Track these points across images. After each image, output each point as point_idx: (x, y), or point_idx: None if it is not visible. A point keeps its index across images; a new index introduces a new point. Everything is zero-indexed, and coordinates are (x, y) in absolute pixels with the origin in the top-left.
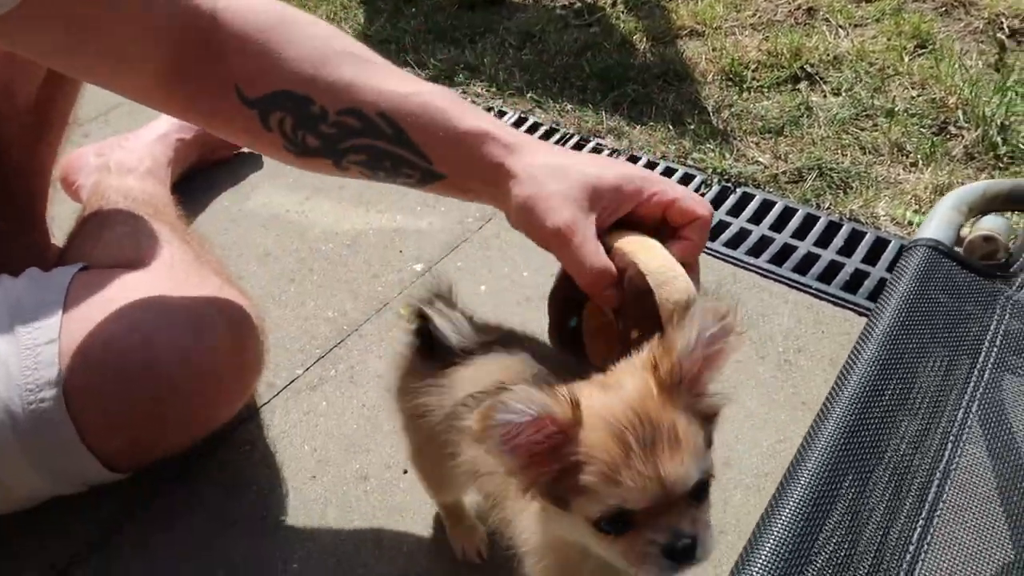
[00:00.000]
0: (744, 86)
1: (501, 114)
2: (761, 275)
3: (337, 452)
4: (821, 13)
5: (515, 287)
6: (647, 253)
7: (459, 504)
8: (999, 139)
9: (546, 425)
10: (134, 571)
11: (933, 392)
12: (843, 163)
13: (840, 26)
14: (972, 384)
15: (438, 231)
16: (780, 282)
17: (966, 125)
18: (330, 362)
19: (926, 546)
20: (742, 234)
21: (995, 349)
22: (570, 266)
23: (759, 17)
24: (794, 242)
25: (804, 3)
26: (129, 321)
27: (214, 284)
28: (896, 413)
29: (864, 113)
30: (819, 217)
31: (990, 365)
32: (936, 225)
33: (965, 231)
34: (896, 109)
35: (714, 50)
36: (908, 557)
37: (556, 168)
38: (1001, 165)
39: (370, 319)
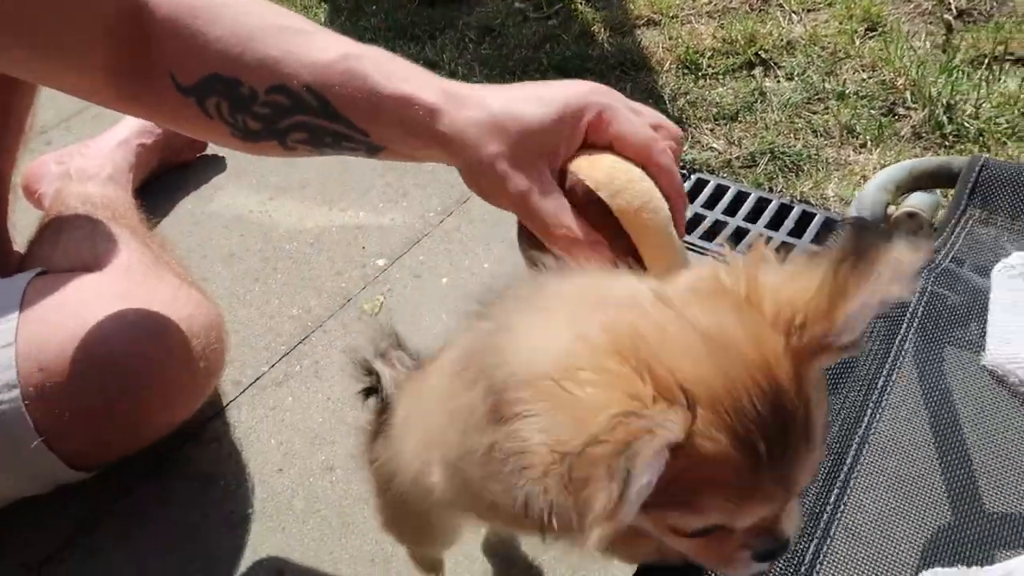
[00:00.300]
0: (700, 73)
1: None
2: (715, 258)
3: (303, 445)
4: None
5: (476, 279)
6: (592, 167)
7: (438, 558)
8: (945, 118)
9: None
10: (116, 563)
11: (855, 361)
12: (795, 146)
13: (793, 11)
14: (893, 352)
15: (400, 226)
16: None
17: (914, 106)
18: (295, 358)
19: (843, 507)
20: (696, 219)
21: (916, 319)
22: (535, 231)
23: (715, 5)
24: (747, 225)
25: None
26: (83, 322)
27: (172, 285)
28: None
29: (816, 96)
30: (771, 200)
31: (911, 334)
32: (863, 204)
33: (892, 209)
34: (847, 92)
35: (670, 39)
36: (824, 519)
37: (489, 124)
38: (947, 143)
39: (334, 315)
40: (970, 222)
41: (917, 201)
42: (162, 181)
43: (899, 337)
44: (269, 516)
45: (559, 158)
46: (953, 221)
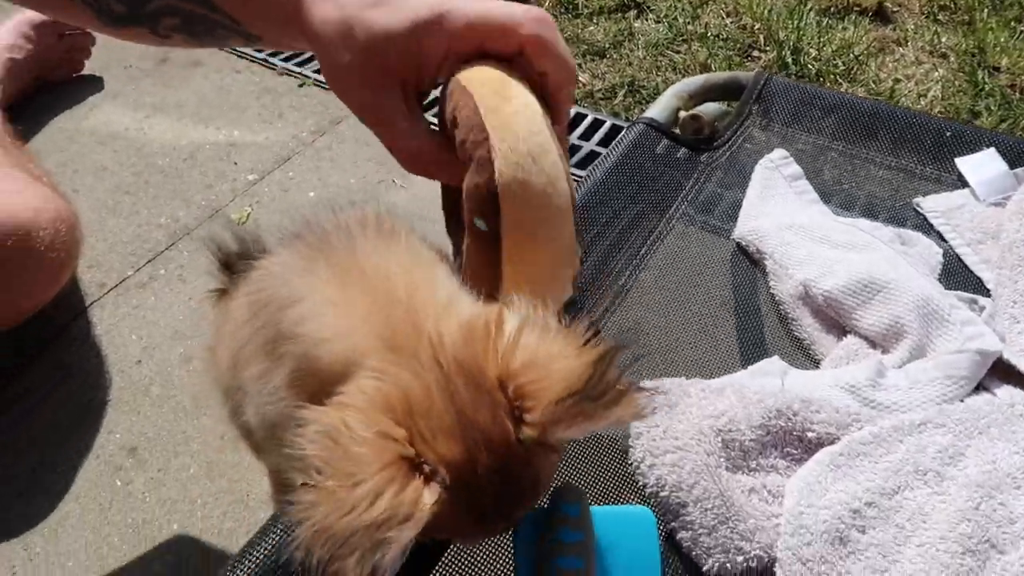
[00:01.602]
0: (576, 13)
1: None
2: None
3: (163, 339)
4: None
5: (343, 193)
6: (460, 94)
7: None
8: (791, 60)
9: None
10: None
11: (626, 230)
12: (654, 81)
13: None
14: (659, 229)
15: (273, 144)
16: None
17: (766, 48)
18: (161, 263)
19: (610, 316)
20: None
21: (684, 204)
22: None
23: None
24: (599, 149)
25: None
26: None
27: (20, 180)
28: (595, 242)
29: (680, 38)
30: (623, 127)
31: (677, 216)
32: (657, 108)
33: (683, 114)
34: (708, 35)
35: None
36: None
37: (341, 27)
38: None
39: (202, 224)
40: (751, 127)
41: (704, 108)
42: (37, 100)
43: (666, 217)
44: (126, 402)
45: (424, 78)
46: (736, 125)
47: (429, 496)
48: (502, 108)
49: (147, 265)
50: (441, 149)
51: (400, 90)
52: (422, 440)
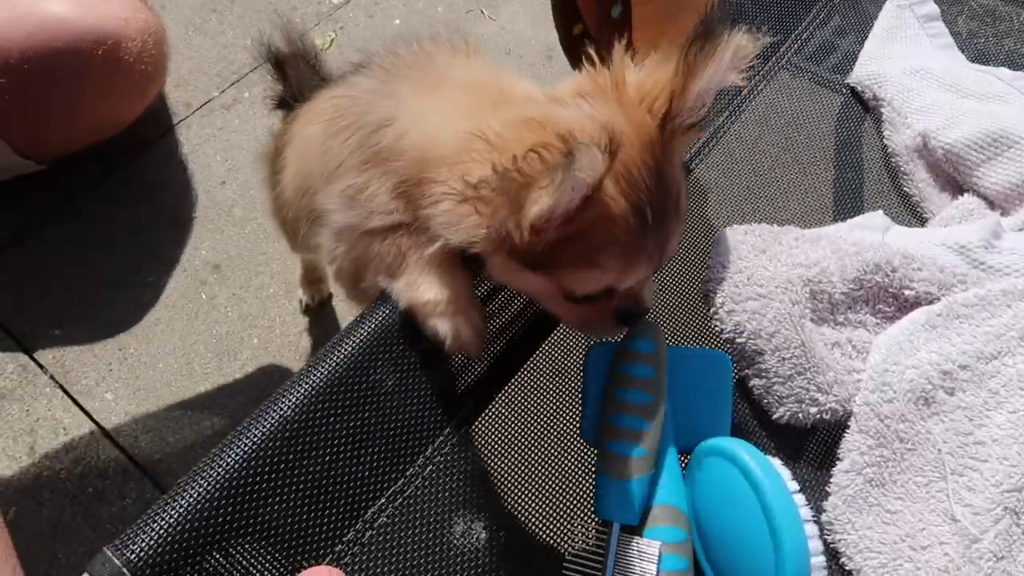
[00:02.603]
0: None
1: None
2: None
3: (246, 162)
4: None
5: (429, 22)
6: None
7: (316, 261)
8: None
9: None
10: (64, 252)
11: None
12: None
13: None
14: (759, 76)
15: None
16: None
17: None
18: (245, 86)
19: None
20: None
21: (790, 52)
22: None
23: None
24: None
25: None
26: (26, 10)
27: None
28: None
29: None
30: None
31: (782, 64)
32: None
33: None
34: None
35: None
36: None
37: None
38: None
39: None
40: None
41: None
42: None
43: (768, 63)
44: (211, 220)
45: None
46: None
47: (596, 151)
48: None
49: (232, 87)
50: None
51: None
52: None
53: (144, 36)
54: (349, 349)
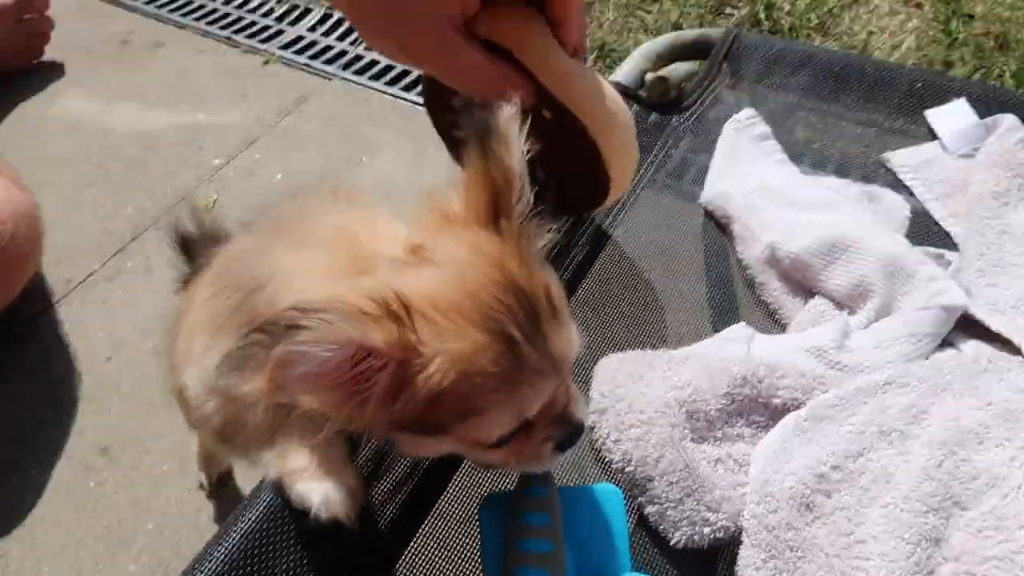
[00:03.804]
0: None
1: None
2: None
3: (132, 334)
4: None
5: (309, 174)
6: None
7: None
8: (763, 15)
9: (369, 356)
10: None
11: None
12: (626, 44)
13: None
14: (624, 197)
15: (238, 126)
16: None
17: (739, 4)
18: (127, 256)
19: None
20: None
21: (651, 170)
22: (455, 85)
23: None
24: None
25: None
26: None
27: None
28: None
29: None
30: None
31: (644, 181)
32: (624, 71)
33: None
34: None
35: None
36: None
37: None
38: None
39: (168, 213)
40: (719, 87)
41: (671, 68)
42: None
43: (633, 183)
44: (96, 399)
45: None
46: (704, 86)
47: (370, 325)
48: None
49: (113, 259)
50: (499, 65)
51: (450, 27)
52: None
53: (16, 218)
54: (241, 532)
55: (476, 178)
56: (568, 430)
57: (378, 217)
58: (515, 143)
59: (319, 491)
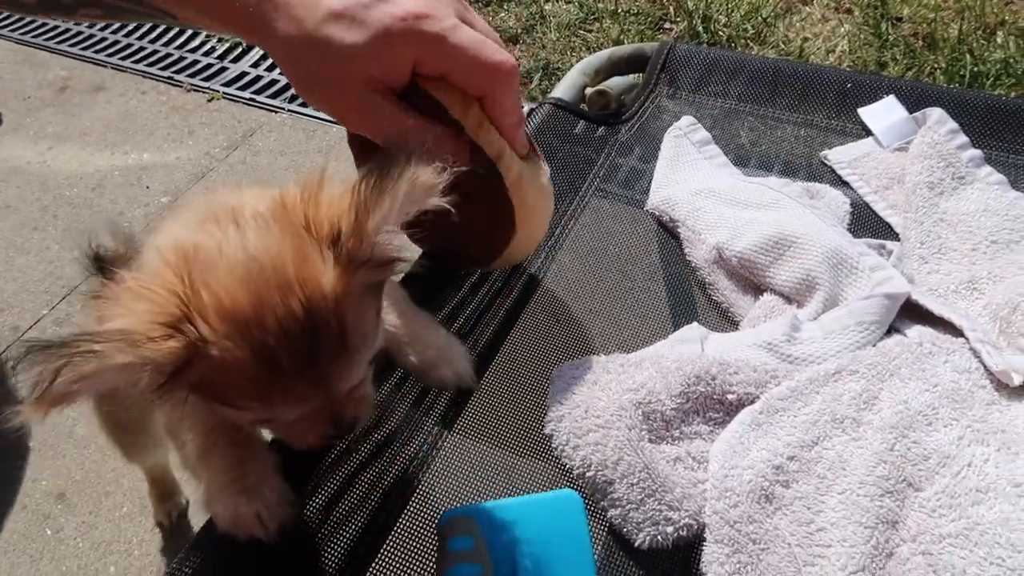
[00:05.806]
0: (486, 0)
1: None
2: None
3: None
4: None
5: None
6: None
7: (159, 470)
8: (701, 28)
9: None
10: None
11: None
12: (569, 62)
13: None
14: (573, 207)
15: (185, 163)
16: None
17: (677, 19)
18: (76, 299)
19: (506, 340)
20: None
21: (597, 180)
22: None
23: None
24: None
25: None
26: None
27: None
28: None
29: (591, 16)
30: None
31: (591, 192)
32: (564, 87)
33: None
34: (619, 11)
35: None
36: (484, 344)
37: (307, 47)
38: None
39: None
40: (659, 98)
41: (610, 82)
42: None
43: (579, 194)
44: (49, 445)
45: (390, 79)
46: (643, 97)
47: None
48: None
49: (62, 302)
50: (430, 124)
51: (375, 92)
52: (205, 293)
53: None
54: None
55: (350, 192)
56: (330, 430)
57: (250, 188)
58: (400, 199)
59: (229, 507)
